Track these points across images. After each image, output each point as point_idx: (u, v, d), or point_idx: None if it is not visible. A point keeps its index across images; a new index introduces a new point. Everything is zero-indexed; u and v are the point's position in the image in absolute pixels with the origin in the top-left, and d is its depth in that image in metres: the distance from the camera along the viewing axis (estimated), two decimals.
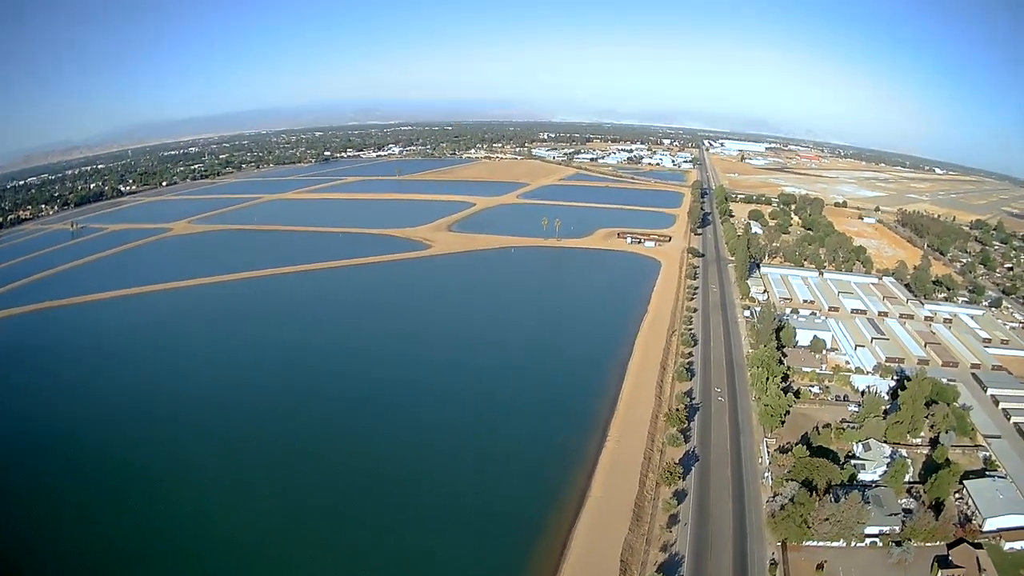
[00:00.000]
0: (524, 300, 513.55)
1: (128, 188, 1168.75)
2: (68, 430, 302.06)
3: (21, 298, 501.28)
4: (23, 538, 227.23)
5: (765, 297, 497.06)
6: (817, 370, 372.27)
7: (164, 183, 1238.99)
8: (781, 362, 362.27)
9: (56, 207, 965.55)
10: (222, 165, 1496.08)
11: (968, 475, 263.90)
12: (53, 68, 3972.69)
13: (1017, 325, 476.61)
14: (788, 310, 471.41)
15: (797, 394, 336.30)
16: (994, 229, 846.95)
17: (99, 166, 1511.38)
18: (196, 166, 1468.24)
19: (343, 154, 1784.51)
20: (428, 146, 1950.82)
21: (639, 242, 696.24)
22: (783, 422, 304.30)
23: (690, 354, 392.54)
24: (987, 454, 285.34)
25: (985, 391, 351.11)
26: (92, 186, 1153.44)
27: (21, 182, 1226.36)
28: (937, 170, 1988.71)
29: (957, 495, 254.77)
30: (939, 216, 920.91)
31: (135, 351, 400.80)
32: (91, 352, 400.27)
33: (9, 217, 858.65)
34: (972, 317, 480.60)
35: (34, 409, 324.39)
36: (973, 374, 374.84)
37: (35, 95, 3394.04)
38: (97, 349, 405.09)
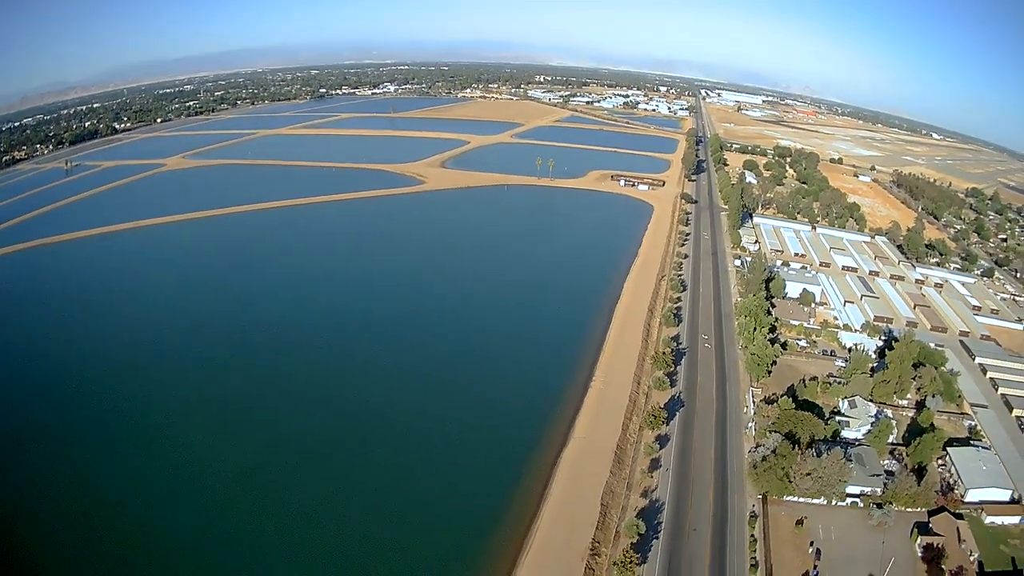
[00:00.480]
0: (515, 238, 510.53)
1: (123, 126, 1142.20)
2: (62, 364, 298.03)
3: (14, 236, 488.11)
4: (17, 478, 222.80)
5: (757, 248, 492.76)
6: (805, 323, 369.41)
7: (159, 120, 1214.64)
8: (769, 313, 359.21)
9: (51, 146, 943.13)
10: (217, 102, 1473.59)
11: (952, 442, 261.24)
12: (47, 8, 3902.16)
13: (1008, 296, 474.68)
14: (779, 262, 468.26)
15: (784, 346, 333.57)
16: (990, 199, 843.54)
17: (94, 105, 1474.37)
18: (191, 103, 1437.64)
19: (339, 91, 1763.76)
20: (423, 85, 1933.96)
21: (633, 185, 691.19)
22: (769, 372, 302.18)
23: (679, 299, 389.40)
24: (972, 423, 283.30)
25: (973, 359, 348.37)
26: (87, 124, 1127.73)
27: (16, 123, 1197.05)
28: (934, 135, 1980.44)
29: (940, 462, 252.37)
30: (935, 180, 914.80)
31: (128, 285, 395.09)
32: (84, 288, 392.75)
33: (4, 158, 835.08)
34: (963, 284, 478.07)
35: (27, 345, 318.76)
36: (961, 341, 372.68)
37: (30, 37, 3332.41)
38: (90, 285, 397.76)
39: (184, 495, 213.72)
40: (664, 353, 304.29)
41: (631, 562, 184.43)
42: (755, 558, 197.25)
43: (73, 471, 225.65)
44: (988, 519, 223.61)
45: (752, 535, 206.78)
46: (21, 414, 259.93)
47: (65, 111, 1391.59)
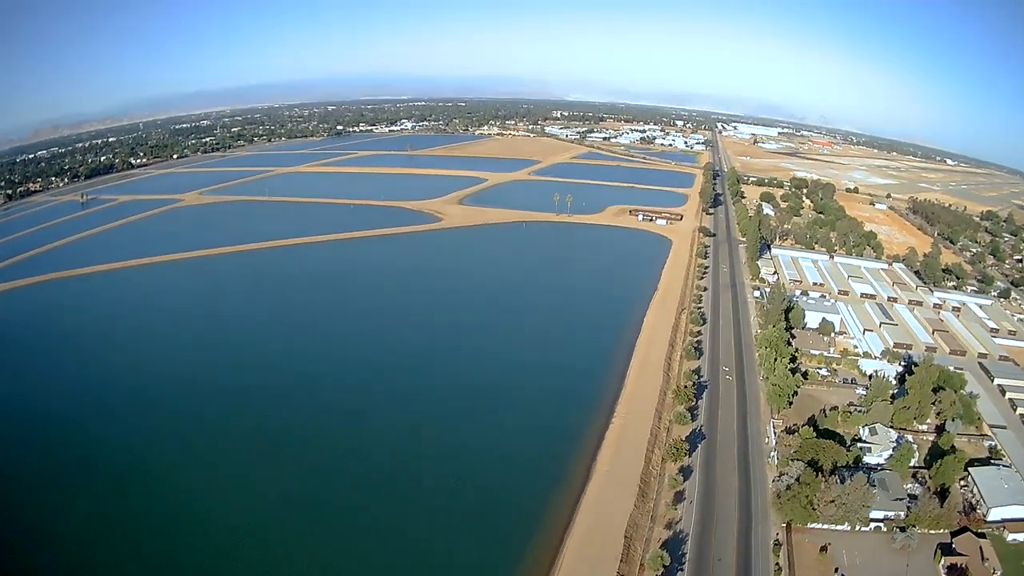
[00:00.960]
0: (534, 274, 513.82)
1: (139, 161, 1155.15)
2: (68, 404, 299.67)
3: (27, 270, 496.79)
4: (17, 515, 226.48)
5: (775, 278, 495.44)
6: (825, 353, 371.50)
7: (175, 156, 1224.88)
8: (790, 343, 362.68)
9: (66, 179, 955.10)
10: (234, 138, 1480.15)
11: (973, 463, 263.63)
12: (63, 41, 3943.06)
13: None
14: (798, 292, 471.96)
15: (805, 375, 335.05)
16: (1004, 221, 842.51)
17: (110, 139, 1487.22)
18: (207, 139, 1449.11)
19: (355, 128, 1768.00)
20: (440, 122, 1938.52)
21: (651, 220, 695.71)
22: (791, 403, 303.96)
23: (699, 333, 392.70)
24: (993, 443, 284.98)
25: (992, 381, 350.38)
26: (103, 159, 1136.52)
27: (31, 155, 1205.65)
28: (949, 161, 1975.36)
29: (962, 483, 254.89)
30: (950, 205, 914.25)
31: (140, 322, 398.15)
32: (94, 325, 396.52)
33: (19, 190, 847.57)
34: (981, 306, 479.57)
35: (34, 384, 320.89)
36: (980, 363, 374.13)
37: (45, 69, 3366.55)
38: (100, 322, 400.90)
39: (191, 538, 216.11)
40: (685, 387, 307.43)
41: None
42: None
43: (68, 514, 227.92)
44: (1010, 536, 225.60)
45: (777, 563, 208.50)
46: (26, 446, 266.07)
47: (80, 144, 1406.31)
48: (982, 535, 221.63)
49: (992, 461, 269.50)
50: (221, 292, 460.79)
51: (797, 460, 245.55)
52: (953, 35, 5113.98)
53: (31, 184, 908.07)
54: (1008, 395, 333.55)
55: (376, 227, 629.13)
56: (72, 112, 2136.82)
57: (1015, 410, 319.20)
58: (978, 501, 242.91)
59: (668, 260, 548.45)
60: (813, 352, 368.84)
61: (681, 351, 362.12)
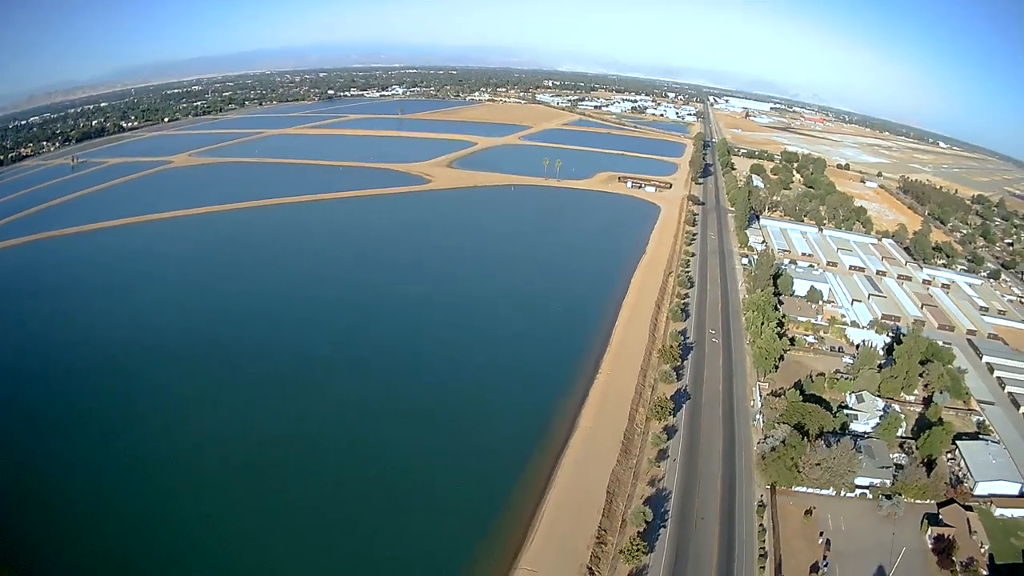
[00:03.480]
0: (522, 236, 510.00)
1: (130, 124, 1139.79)
2: (61, 359, 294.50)
3: (16, 230, 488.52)
4: (13, 473, 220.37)
5: (764, 247, 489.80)
6: (813, 320, 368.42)
7: (166, 119, 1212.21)
8: (777, 308, 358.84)
9: (57, 143, 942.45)
10: (225, 102, 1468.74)
11: (961, 436, 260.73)
12: (53, 7, 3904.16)
13: (1015, 297, 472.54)
14: (786, 261, 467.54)
15: (792, 341, 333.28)
16: (996, 205, 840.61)
17: (102, 104, 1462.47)
18: (199, 103, 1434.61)
19: (347, 93, 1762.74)
20: (432, 88, 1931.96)
21: (640, 187, 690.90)
22: (777, 367, 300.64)
23: (686, 295, 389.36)
24: (981, 419, 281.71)
25: (980, 358, 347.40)
26: (94, 123, 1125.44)
27: (23, 122, 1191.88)
28: (941, 144, 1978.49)
29: (949, 456, 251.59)
30: (941, 187, 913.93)
31: (130, 280, 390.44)
32: (84, 282, 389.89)
33: (10, 155, 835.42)
34: (970, 285, 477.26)
35: (25, 340, 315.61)
36: (969, 340, 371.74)
37: (37, 36, 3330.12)
38: (91, 279, 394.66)
39: (181, 491, 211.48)
40: (671, 347, 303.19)
41: (638, 550, 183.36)
42: (764, 548, 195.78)
43: (67, 463, 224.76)
44: (998, 511, 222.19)
45: (761, 524, 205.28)
46: (15, 406, 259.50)
47: (72, 110, 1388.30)
48: (969, 508, 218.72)
49: (980, 436, 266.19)
50: (211, 248, 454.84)
51: (783, 423, 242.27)
52: (949, 19, 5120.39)
53: (22, 149, 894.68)
54: (996, 373, 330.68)
55: (365, 188, 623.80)
56: (66, 79, 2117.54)
57: (1003, 388, 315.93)
58: (965, 474, 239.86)
59: (656, 226, 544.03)
60: (800, 319, 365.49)
61: (668, 313, 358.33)
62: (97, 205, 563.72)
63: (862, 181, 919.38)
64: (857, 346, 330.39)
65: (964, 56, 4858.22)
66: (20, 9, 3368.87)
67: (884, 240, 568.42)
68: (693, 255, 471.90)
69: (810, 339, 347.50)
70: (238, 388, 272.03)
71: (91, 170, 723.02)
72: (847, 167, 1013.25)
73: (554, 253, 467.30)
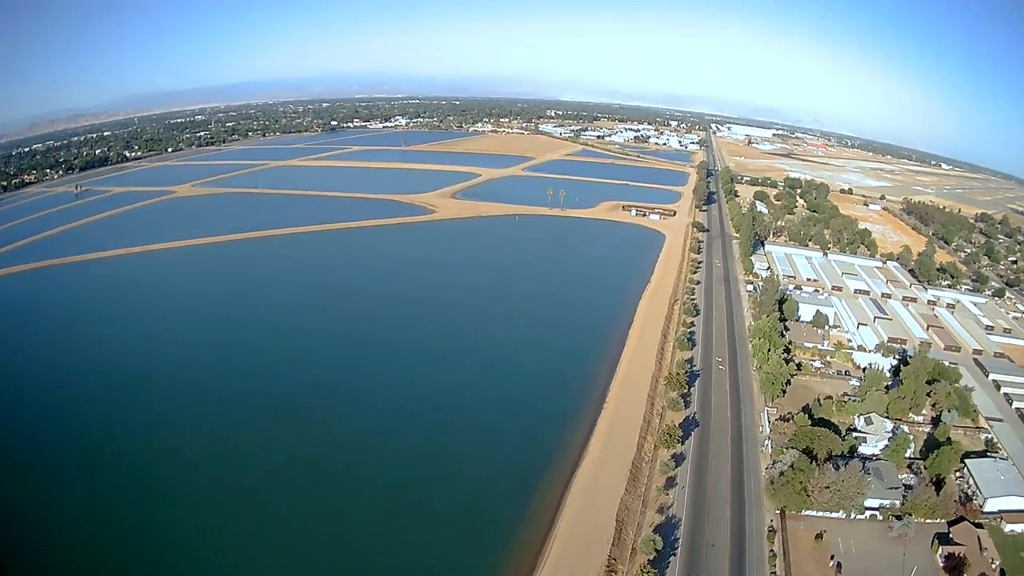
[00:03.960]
0: (527, 266, 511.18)
1: (133, 154, 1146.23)
2: (60, 387, 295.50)
3: (19, 257, 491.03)
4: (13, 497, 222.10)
5: (769, 273, 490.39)
6: (819, 345, 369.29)
7: (170, 149, 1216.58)
8: (783, 334, 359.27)
9: (61, 171, 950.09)
10: (228, 133, 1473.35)
11: (969, 455, 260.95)
12: (58, 36, 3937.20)
13: (1020, 315, 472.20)
14: (791, 287, 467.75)
15: (799, 366, 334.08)
16: (999, 223, 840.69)
17: (105, 133, 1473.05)
18: (202, 133, 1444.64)
19: (350, 124, 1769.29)
20: (435, 119, 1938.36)
21: (644, 215, 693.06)
22: (784, 392, 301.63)
23: (692, 324, 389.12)
24: (989, 436, 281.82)
25: (987, 376, 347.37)
26: (97, 152, 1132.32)
27: (26, 149, 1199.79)
28: (943, 165, 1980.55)
29: (958, 474, 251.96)
30: (944, 208, 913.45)
31: (132, 309, 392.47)
32: (86, 310, 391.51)
33: (13, 181, 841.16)
34: (975, 304, 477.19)
35: (25, 366, 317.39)
36: (975, 359, 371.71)
37: (40, 64, 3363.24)
38: (93, 308, 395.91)
39: (183, 508, 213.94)
40: (678, 375, 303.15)
41: None
42: (774, 573, 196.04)
43: (63, 487, 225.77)
44: (1008, 527, 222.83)
45: (771, 550, 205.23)
46: (13, 430, 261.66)
47: (75, 138, 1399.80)
48: (979, 525, 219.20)
49: (988, 454, 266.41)
50: (214, 278, 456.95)
51: (791, 448, 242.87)
52: (949, 41, 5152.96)
53: (26, 176, 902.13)
54: (1003, 390, 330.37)
55: (369, 218, 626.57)
56: (68, 107, 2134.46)
57: (1011, 404, 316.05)
58: (974, 492, 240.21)
59: (661, 254, 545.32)
60: (807, 344, 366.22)
61: (674, 341, 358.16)
62: (101, 233, 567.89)
63: (865, 204, 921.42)
64: (864, 369, 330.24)
65: (965, 78, 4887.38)
66: (22, 35, 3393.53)
67: (889, 263, 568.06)
68: (698, 283, 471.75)
69: (817, 364, 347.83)
70: (237, 416, 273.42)
71: (95, 198, 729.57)
72: (850, 191, 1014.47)
73: (559, 282, 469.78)
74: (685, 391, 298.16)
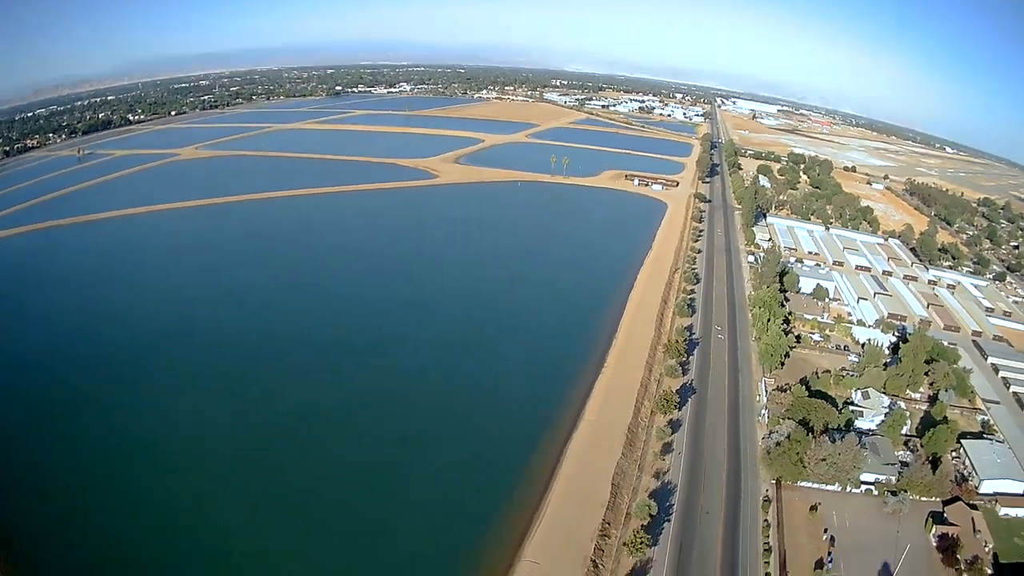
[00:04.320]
0: (528, 231, 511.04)
1: (137, 117, 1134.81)
2: (63, 346, 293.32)
3: (22, 218, 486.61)
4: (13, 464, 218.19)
5: (770, 244, 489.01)
6: (819, 318, 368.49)
7: (173, 113, 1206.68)
8: (783, 305, 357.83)
9: (64, 135, 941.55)
10: (232, 97, 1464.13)
11: (965, 435, 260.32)
12: (63, 1, 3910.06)
13: (1021, 299, 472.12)
14: (793, 259, 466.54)
15: (798, 339, 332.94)
16: (1002, 208, 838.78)
17: (108, 98, 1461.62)
18: (206, 97, 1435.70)
19: (354, 89, 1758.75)
20: (439, 85, 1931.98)
21: (647, 185, 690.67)
22: (782, 363, 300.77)
23: (692, 291, 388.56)
24: (985, 418, 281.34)
25: (986, 359, 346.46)
26: (100, 115, 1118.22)
27: (29, 114, 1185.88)
28: (947, 148, 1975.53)
29: (954, 454, 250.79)
30: (947, 190, 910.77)
31: (135, 269, 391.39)
32: (89, 270, 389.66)
33: (16, 146, 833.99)
34: (976, 287, 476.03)
35: (29, 327, 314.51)
36: (974, 341, 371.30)
37: (44, 30, 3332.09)
38: (96, 268, 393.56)
39: (178, 481, 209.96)
40: (677, 342, 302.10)
41: (642, 543, 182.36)
42: (768, 542, 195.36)
43: (65, 449, 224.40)
44: (1003, 511, 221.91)
45: (766, 519, 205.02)
46: (16, 391, 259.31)
47: (78, 103, 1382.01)
48: (974, 507, 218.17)
49: (985, 435, 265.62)
50: (217, 239, 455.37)
51: (788, 418, 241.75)
52: (956, 25, 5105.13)
53: (29, 140, 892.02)
54: (1001, 373, 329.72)
55: (372, 182, 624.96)
56: (72, 72, 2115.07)
57: (1008, 388, 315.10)
58: (970, 473, 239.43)
59: (663, 222, 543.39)
60: (807, 316, 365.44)
61: (674, 308, 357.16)
62: (104, 195, 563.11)
63: (868, 183, 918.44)
64: (863, 344, 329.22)
65: (971, 62, 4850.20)
66: (25, 2, 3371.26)
67: (890, 240, 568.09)
68: (700, 252, 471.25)
69: (816, 337, 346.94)
70: (242, 376, 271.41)
71: (98, 161, 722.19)
72: (854, 169, 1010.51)
73: (560, 247, 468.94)
74: (684, 358, 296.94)
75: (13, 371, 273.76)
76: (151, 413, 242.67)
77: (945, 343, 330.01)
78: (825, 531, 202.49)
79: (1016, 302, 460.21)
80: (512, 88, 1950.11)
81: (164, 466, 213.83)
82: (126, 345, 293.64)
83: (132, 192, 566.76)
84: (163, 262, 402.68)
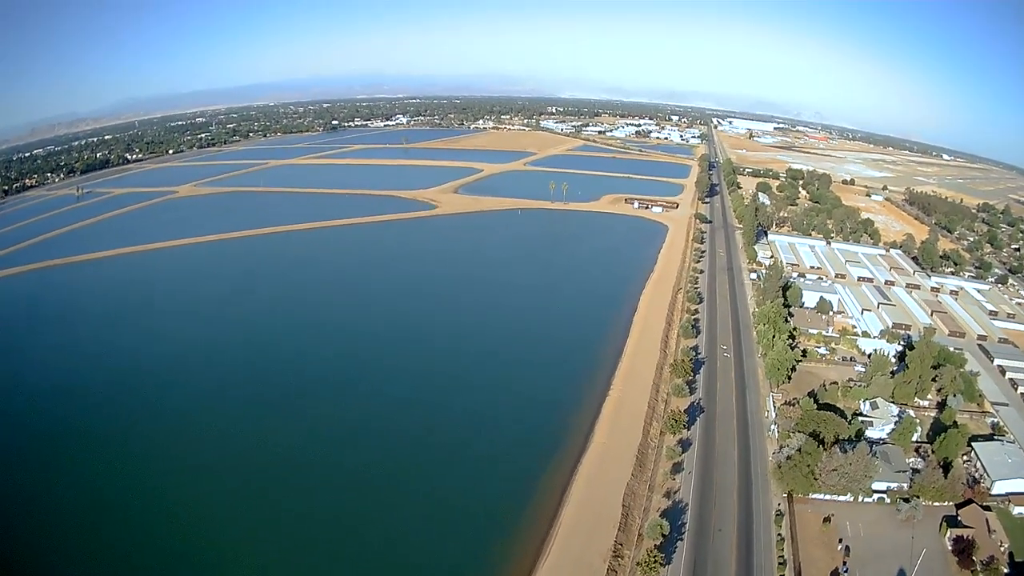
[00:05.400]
0: (530, 257, 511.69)
1: (134, 156, 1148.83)
2: (60, 387, 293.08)
3: (21, 258, 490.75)
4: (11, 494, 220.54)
5: (772, 261, 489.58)
6: (823, 332, 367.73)
7: (171, 151, 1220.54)
8: (787, 320, 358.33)
9: (62, 174, 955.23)
10: (229, 134, 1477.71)
11: (976, 438, 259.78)
12: (59, 41, 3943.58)
13: (1023, 301, 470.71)
14: (795, 275, 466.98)
15: (804, 353, 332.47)
16: (1001, 213, 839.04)
17: (106, 137, 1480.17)
18: (203, 135, 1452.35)
19: (351, 124, 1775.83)
20: (436, 117, 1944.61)
21: (646, 207, 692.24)
22: (789, 377, 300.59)
23: (696, 312, 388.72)
24: (995, 420, 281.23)
25: (992, 361, 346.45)
26: (98, 155, 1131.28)
27: (27, 154, 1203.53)
28: (944, 156, 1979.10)
29: (965, 457, 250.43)
30: (947, 198, 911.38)
31: (135, 307, 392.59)
32: (88, 309, 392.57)
33: (15, 185, 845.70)
34: (979, 291, 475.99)
35: (28, 364, 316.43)
36: (980, 345, 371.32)
37: (41, 69, 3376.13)
38: (94, 306, 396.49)
39: (186, 500, 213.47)
40: (683, 361, 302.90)
41: (655, 562, 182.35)
42: (782, 556, 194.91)
43: (65, 478, 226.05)
44: (1016, 510, 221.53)
45: (779, 534, 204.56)
46: (17, 427, 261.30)
47: (76, 142, 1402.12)
48: (987, 508, 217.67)
49: (995, 437, 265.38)
50: (217, 276, 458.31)
51: (798, 432, 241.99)
52: (948, 33, 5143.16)
53: (27, 180, 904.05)
54: (1009, 375, 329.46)
55: (372, 214, 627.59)
56: (68, 111, 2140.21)
57: (1016, 389, 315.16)
58: (982, 475, 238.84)
59: (664, 244, 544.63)
60: (811, 331, 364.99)
61: (678, 329, 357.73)
62: (102, 234, 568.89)
63: (868, 195, 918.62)
64: (869, 355, 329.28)
65: (966, 69, 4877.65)
66: (22, 42, 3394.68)
67: (892, 251, 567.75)
68: (702, 272, 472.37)
69: (821, 350, 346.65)
70: (239, 409, 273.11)
71: (96, 200, 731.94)
72: (852, 182, 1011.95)
73: (563, 272, 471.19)
74: (690, 378, 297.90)
75: (10, 408, 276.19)
76: (149, 449, 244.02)
77: (951, 348, 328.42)
78: (840, 541, 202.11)
79: (1019, 304, 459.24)
80: (508, 117, 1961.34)
81: (166, 496, 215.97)
82: (124, 383, 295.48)
83: (130, 230, 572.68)
84: (161, 300, 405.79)
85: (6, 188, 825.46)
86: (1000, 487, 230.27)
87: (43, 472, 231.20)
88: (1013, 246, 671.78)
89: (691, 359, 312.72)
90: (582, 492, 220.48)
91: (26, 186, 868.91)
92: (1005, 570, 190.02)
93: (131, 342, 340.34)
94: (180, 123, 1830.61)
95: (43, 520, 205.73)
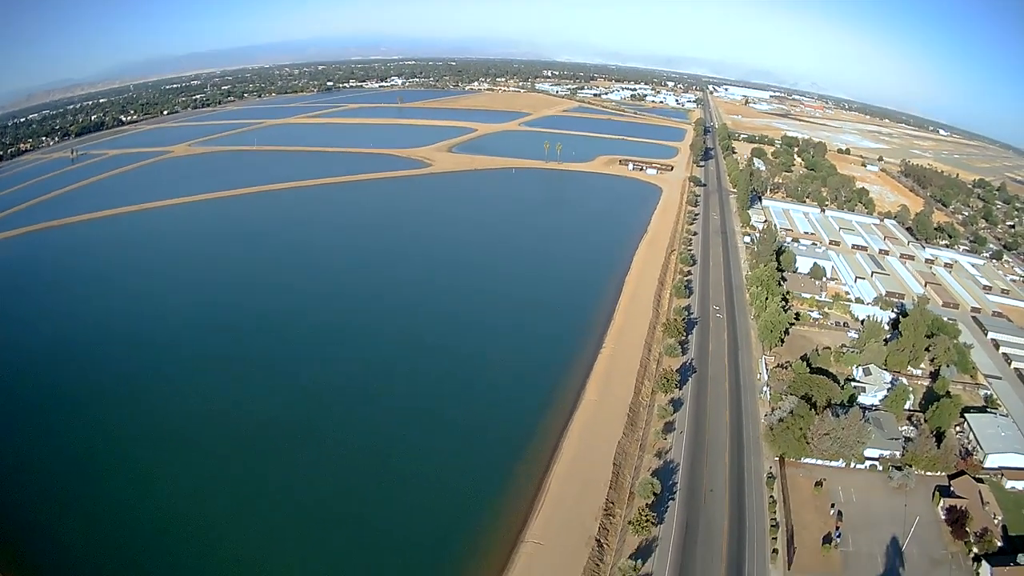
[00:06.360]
0: (523, 216, 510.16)
1: (129, 118, 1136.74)
2: (58, 348, 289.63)
3: (17, 221, 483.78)
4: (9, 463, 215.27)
5: (766, 225, 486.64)
6: (817, 296, 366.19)
7: (165, 112, 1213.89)
8: (781, 284, 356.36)
9: (56, 138, 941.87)
10: (224, 95, 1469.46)
11: (969, 410, 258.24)
12: (51, 7, 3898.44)
13: (1017, 278, 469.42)
14: (789, 239, 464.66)
15: (797, 317, 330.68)
16: (997, 189, 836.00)
17: (100, 100, 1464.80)
18: (198, 96, 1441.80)
19: (346, 85, 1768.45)
20: (431, 78, 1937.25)
21: (641, 169, 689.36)
22: (782, 340, 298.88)
23: (689, 273, 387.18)
24: (988, 392, 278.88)
25: (986, 334, 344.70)
26: (93, 117, 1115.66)
27: (23, 119, 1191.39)
28: (941, 131, 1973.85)
29: (958, 429, 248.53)
30: (942, 171, 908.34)
31: (132, 266, 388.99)
32: (86, 270, 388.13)
33: (9, 150, 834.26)
34: (973, 265, 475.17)
35: (25, 327, 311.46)
36: (974, 317, 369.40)
37: (35, 34, 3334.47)
38: (92, 267, 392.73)
39: (173, 470, 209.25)
40: (675, 321, 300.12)
41: (647, 521, 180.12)
42: (774, 519, 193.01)
43: (59, 447, 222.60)
44: (1009, 484, 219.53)
45: (771, 496, 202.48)
46: (11, 391, 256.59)
47: (71, 107, 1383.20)
48: (980, 480, 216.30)
49: (988, 410, 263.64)
50: (213, 234, 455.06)
51: (791, 394, 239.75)
52: (949, 8, 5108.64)
53: (22, 144, 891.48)
54: (1002, 349, 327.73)
55: (366, 172, 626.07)
56: (64, 77, 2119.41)
57: (1010, 363, 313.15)
58: (974, 447, 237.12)
59: (658, 206, 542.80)
60: (804, 295, 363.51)
61: (671, 289, 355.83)
62: (97, 194, 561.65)
63: (863, 165, 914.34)
64: (862, 321, 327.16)
65: (964, 44, 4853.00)
66: (17, 9, 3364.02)
67: (886, 220, 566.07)
68: (695, 234, 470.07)
69: (815, 315, 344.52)
70: (235, 371, 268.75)
71: (91, 161, 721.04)
72: (847, 152, 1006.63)
73: (556, 232, 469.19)
74: (683, 338, 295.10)
75: (5, 371, 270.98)
76: (147, 413, 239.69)
77: (945, 319, 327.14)
78: (832, 506, 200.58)
79: (1013, 280, 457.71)
80: (503, 79, 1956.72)
81: (157, 466, 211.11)
82: (122, 345, 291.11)
83: (126, 190, 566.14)
84: (157, 259, 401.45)
85: (1, 153, 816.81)
86: (993, 460, 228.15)
87: (28, 436, 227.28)
88: (1008, 223, 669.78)
89: (684, 319, 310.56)
90: (574, 449, 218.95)
91: (21, 150, 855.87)
92: (999, 543, 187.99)
93: (124, 303, 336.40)
94: (175, 86, 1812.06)
95: (25, 484, 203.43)
